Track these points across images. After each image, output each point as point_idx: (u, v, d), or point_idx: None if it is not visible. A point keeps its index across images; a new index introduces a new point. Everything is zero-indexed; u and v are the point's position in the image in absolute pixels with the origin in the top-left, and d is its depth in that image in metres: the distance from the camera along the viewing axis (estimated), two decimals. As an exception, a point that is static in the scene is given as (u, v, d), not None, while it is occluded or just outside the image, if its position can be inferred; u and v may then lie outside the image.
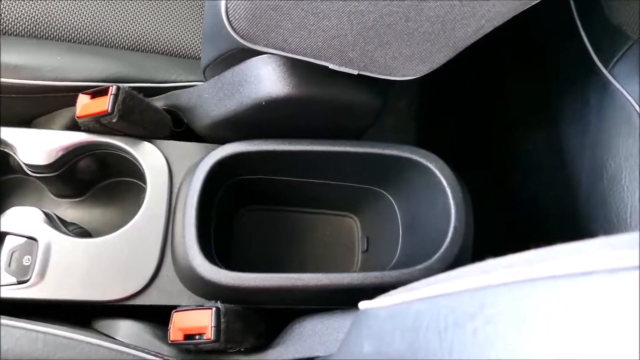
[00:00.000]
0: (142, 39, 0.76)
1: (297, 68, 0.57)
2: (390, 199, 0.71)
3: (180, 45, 0.78)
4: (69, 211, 0.75)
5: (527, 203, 0.91)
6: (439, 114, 1.10)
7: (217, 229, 0.68)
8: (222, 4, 0.47)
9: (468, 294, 0.26)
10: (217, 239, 0.68)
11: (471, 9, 0.48)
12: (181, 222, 0.62)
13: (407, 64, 0.56)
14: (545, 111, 0.89)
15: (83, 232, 0.68)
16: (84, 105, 0.65)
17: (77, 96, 0.65)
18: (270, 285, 0.58)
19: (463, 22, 0.50)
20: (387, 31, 0.50)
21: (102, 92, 0.64)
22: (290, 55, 0.54)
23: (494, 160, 0.99)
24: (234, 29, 0.50)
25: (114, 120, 0.63)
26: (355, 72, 0.57)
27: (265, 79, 0.58)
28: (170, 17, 0.78)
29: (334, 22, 0.48)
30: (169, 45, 0.77)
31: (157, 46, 0.77)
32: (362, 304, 0.38)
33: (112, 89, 0.63)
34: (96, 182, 0.75)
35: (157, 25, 0.77)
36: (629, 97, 0.72)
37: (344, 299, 0.61)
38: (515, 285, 0.24)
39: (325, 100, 0.59)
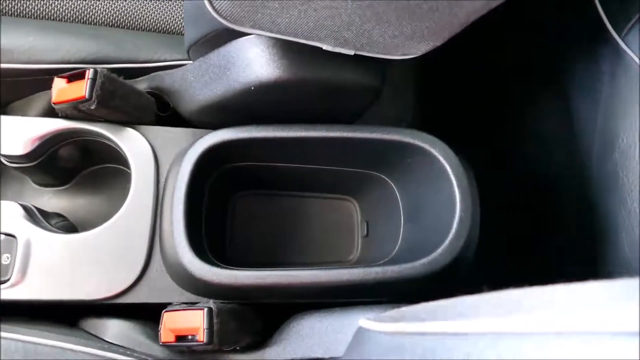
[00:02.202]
0: (122, 15, 0.70)
1: (287, 49, 0.52)
2: (391, 184, 0.67)
3: (165, 21, 0.72)
4: (53, 200, 0.71)
5: (534, 179, 0.87)
6: (437, 86, 1.04)
7: (209, 217, 0.65)
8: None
9: (487, 339, 0.23)
10: (209, 228, 0.64)
11: (480, -17, 0.43)
12: (169, 216, 0.58)
13: (408, 43, 0.51)
14: (553, 81, 0.84)
15: (66, 225, 0.65)
16: (60, 90, 0.60)
17: (53, 79, 0.60)
18: (265, 282, 0.55)
19: (471, -3, 0.45)
20: (386, 9, 0.45)
21: (79, 75, 0.59)
22: (279, 36, 0.49)
23: (499, 134, 0.94)
24: (215, 10, 0.45)
25: (92, 107, 0.58)
26: (352, 53, 0.52)
27: (253, 62, 0.53)
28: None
29: (327, 1, 0.43)
30: (152, 21, 0.72)
31: (139, 22, 0.71)
32: (363, 322, 0.34)
33: (89, 73, 0.58)
34: (80, 169, 0.71)
35: (137, -2, 0.71)
36: (644, 66, 0.67)
37: (344, 294, 0.58)
38: (543, 337, 0.21)
39: (319, 83, 0.55)
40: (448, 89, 1.02)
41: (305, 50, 0.51)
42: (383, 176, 0.68)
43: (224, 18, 0.45)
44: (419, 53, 0.54)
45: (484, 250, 0.61)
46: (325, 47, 0.51)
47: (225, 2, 0.43)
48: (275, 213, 0.74)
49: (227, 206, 0.72)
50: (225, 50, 0.55)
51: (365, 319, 0.34)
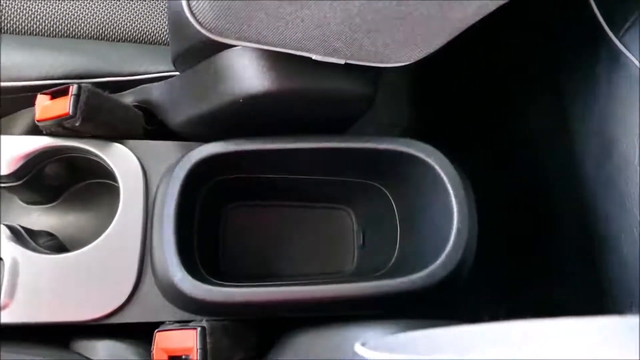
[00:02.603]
0: (105, 27, 0.69)
1: (275, 60, 0.50)
2: (386, 192, 0.66)
3: (150, 31, 0.71)
4: (42, 218, 0.69)
5: (533, 180, 0.85)
6: (434, 88, 1.03)
7: (201, 231, 0.64)
8: (182, -6, 0.41)
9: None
10: (201, 242, 0.63)
11: (472, -12, 0.41)
12: (159, 233, 0.56)
13: (400, 50, 0.50)
14: (551, 81, 0.83)
15: (55, 245, 0.63)
16: (44, 107, 0.58)
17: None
18: (259, 300, 0.53)
19: (462, 2, 0.44)
20: (375, 17, 0.43)
21: (63, 91, 0.57)
22: (266, 47, 0.47)
23: (497, 135, 0.93)
24: (199, 23, 0.43)
25: (77, 124, 0.56)
26: (342, 62, 0.51)
27: (241, 74, 0.51)
28: (137, -1, 0.71)
29: (314, 11, 0.41)
30: (136, 32, 0.70)
31: (123, 33, 0.70)
32: (359, 349, 0.33)
33: (73, 89, 0.56)
34: (68, 186, 0.69)
35: (121, 9, 0.70)
36: None
37: (340, 309, 0.57)
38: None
39: (309, 94, 0.53)
40: (445, 91, 1.01)
41: (294, 61, 0.50)
42: (378, 185, 0.66)
43: (209, 30, 0.44)
44: (412, 60, 0.52)
45: (484, 251, 0.60)
46: (314, 57, 0.49)
47: (209, 14, 0.42)
48: (269, 224, 0.72)
49: (220, 218, 0.70)
50: (212, 63, 0.54)
51: (361, 345, 0.32)
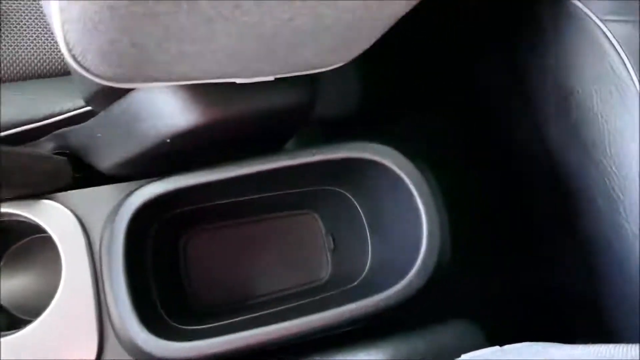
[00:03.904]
0: (5, 68, 0.61)
1: (197, 91, 0.44)
2: (349, 196, 0.61)
3: (58, 60, 0.63)
4: (-16, 289, 0.63)
5: (494, 148, 0.82)
6: (380, 63, 0.96)
7: (159, 272, 0.59)
8: (61, 44, 0.34)
9: None
10: (162, 285, 0.58)
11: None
12: (111, 291, 0.51)
13: (332, 55, 0.44)
14: (497, 40, 0.78)
15: (1, 321, 0.58)
16: (-49, 178, 0.51)
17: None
18: (232, 347, 0.50)
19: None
20: (296, 34, 0.38)
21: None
22: (181, 83, 0.41)
23: (448, 103, 0.88)
24: (95, 75, 0.37)
25: (-12, 194, 0.50)
26: (271, 78, 0.45)
27: (163, 111, 0.45)
28: (36, 23, 0.63)
29: (223, 42, 0.36)
30: (43, 63, 0.63)
31: (28, 68, 0.62)
32: None
33: (-29, 156, 0.49)
34: (3, 250, 0.63)
35: (18, 43, 0.62)
36: (589, 12, 0.62)
37: (320, 335, 0.53)
38: None
39: (240, 119, 0.48)
40: (393, 59, 0.95)
41: (217, 88, 0.44)
42: (340, 190, 0.62)
43: (109, 80, 0.38)
44: (348, 60, 0.47)
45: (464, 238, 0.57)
46: (239, 81, 0.43)
47: (102, 66, 0.35)
48: (231, 245, 0.68)
49: (178, 252, 0.65)
50: (127, 103, 0.47)
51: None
